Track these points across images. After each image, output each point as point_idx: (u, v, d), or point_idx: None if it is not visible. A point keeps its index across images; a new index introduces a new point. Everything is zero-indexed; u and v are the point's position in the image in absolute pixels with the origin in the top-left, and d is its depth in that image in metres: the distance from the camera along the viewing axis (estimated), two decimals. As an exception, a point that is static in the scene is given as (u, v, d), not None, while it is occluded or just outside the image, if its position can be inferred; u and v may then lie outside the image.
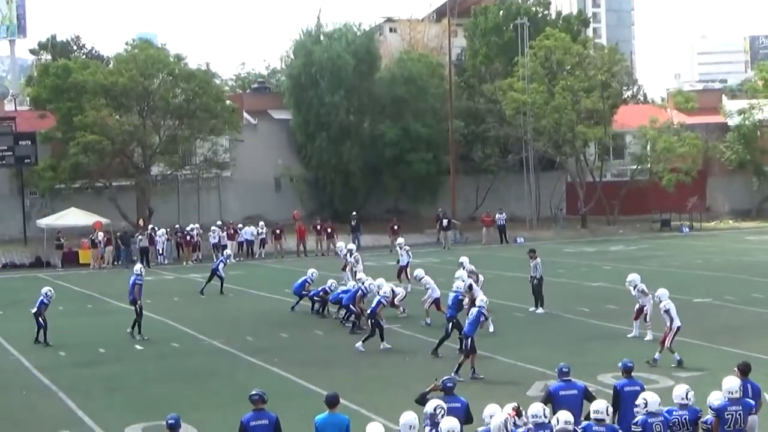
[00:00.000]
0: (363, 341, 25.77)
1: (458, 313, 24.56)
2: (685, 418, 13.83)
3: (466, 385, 19.72)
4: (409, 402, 14.83)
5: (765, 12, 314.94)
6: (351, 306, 28.89)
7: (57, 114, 57.85)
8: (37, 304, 28.47)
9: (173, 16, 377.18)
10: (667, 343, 22.74)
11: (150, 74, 58.32)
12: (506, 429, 12.60)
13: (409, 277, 35.12)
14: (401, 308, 30.55)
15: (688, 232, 61.03)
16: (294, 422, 15.48)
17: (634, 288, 26.12)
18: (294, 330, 29.22)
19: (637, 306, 26.24)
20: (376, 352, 25.25)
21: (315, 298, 31.86)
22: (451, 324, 24.12)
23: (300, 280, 32.83)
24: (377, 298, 26.47)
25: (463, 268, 30.20)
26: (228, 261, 39.72)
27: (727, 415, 13.79)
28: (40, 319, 28.24)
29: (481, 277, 31.22)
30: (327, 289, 31.41)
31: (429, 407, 13.10)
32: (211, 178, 63.60)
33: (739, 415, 13.81)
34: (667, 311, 22.97)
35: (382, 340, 25.60)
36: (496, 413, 12.90)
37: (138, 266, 30.78)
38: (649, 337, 25.61)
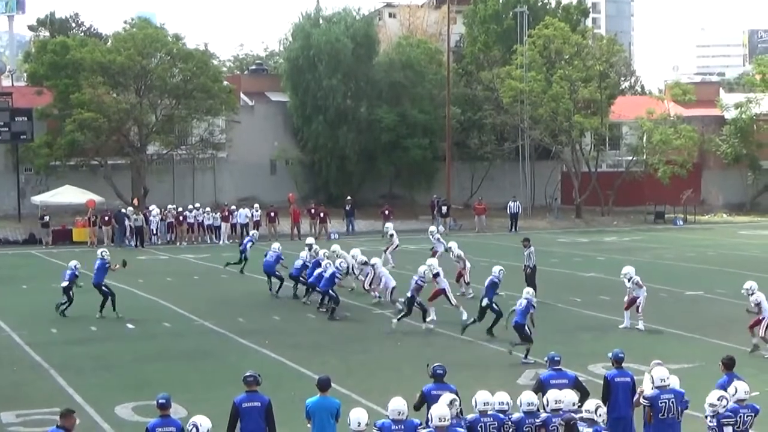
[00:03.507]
0: (398, 319, 26.00)
1: (418, 294, 25.75)
2: (671, 401, 13.92)
3: (457, 371, 19.74)
4: (399, 387, 14.89)
5: (764, 6, 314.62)
6: (330, 291, 28.71)
7: (54, 91, 57.72)
8: (67, 278, 28.87)
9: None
10: (761, 332, 22.87)
11: (148, 53, 58.30)
12: None
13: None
14: (375, 293, 30.51)
15: (681, 225, 61.06)
16: (285, 405, 15.50)
17: (629, 280, 26.24)
18: (285, 313, 29.24)
19: (627, 297, 26.34)
20: (368, 337, 25.31)
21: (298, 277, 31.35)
22: (493, 306, 24.72)
23: (272, 258, 32.29)
24: (413, 278, 26.42)
25: (452, 252, 31.74)
26: (254, 240, 39.39)
27: (660, 403, 13.93)
28: (70, 293, 28.71)
29: (468, 264, 31.74)
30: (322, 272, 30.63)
31: None
32: (206, 159, 63.54)
33: (672, 402, 13.91)
34: (758, 304, 23.14)
35: (425, 320, 25.96)
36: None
37: (101, 250, 30.50)
38: (641, 327, 25.77)
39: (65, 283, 28.92)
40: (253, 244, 38.50)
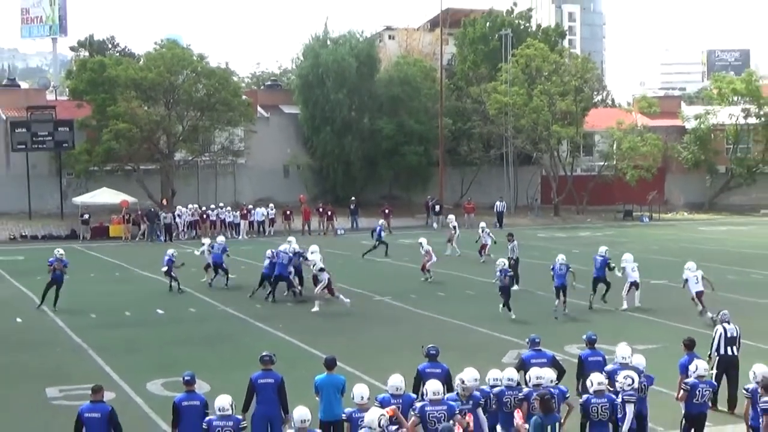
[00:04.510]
0: (503, 306, 25.82)
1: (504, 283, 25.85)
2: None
3: (448, 352, 19.73)
4: (397, 365, 14.85)
5: (721, 29, 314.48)
6: (290, 276, 28.72)
7: (92, 104, 57.78)
8: (165, 263, 30.44)
9: (198, 19, 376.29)
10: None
11: (175, 71, 58.24)
12: (379, 426, 11.35)
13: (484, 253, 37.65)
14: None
15: (647, 222, 61.05)
16: (296, 381, 15.48)
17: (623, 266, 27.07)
18: (297, 300, 29.16)
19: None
20: (368, 322, 25.29)
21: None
22: (605, 280, 26.91)
23: (219, 250, 32.21)
24: (497, 273, 26.03)
25: (422, 247, 33.06)
26: (383, 228, 40.04)
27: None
28: (172, 274, 30.45)
29: (434, 258, 32.81)
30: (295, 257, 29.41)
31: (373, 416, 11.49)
32: (227, 164, 63.51)
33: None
34: (686, 280, 24.98)
35: (509, 308, 25.66)
36: (374, 412, 11.59)
37: (57, 249, 29.78)
38: (624, 306, 26.56)
39: (164, 268, 30.63)
40: (382, 231, 40.26)
